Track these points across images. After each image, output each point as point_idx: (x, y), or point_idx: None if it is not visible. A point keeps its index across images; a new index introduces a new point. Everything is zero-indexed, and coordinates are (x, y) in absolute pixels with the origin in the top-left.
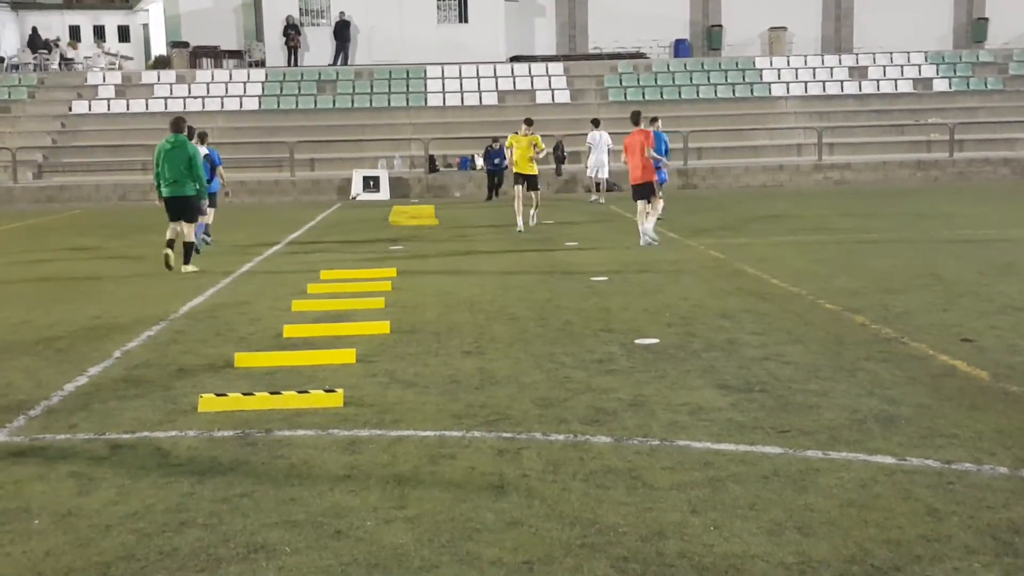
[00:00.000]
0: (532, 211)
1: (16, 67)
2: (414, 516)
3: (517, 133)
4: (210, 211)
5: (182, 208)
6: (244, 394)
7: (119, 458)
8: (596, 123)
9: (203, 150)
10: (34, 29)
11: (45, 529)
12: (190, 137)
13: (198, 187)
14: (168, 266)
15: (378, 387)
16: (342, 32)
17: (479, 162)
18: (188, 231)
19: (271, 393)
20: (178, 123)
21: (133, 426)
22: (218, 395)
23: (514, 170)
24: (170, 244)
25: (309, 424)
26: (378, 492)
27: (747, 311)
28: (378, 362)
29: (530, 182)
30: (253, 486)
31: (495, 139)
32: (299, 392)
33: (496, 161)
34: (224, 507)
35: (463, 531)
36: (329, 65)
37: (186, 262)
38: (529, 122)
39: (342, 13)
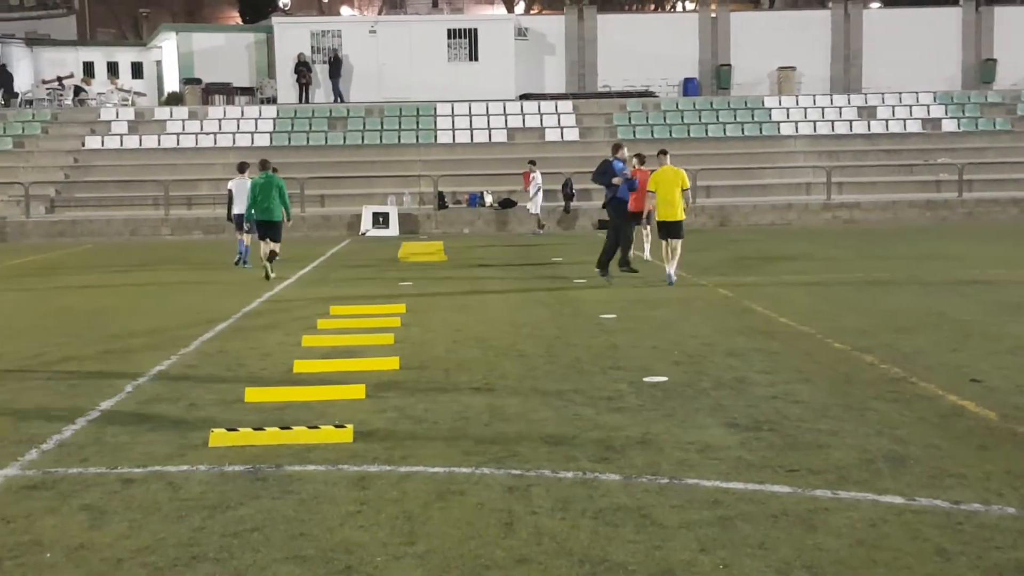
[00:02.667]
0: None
1: (30, 103)
2: (424, 552)
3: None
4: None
5: (270, 228)
6: (255, 429)
7: (130, 492)
8: (533, 163)
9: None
10: (2, 67)
11: (57, 563)
12: (265, 169)
13: (286, 213)
14: (267, 275)
15: (388, 423)
16: (335, 69)
17: (488, 199)
18: (275, 245)
19: (281, 428)
20: (264, 164)
21: (144, 460)
22: (229, 430)
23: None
24: (270, 258)
25: (319, 459)
26: (387, 528)
27: (756, 349)
28: (388, 398)
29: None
30: (263, 521)
31: (619, 146)
32: (309, 427)
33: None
34: (235, 542)
35: (472, 568)
36: (334, 102)
37: (271, 261)
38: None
39: (334, 51)
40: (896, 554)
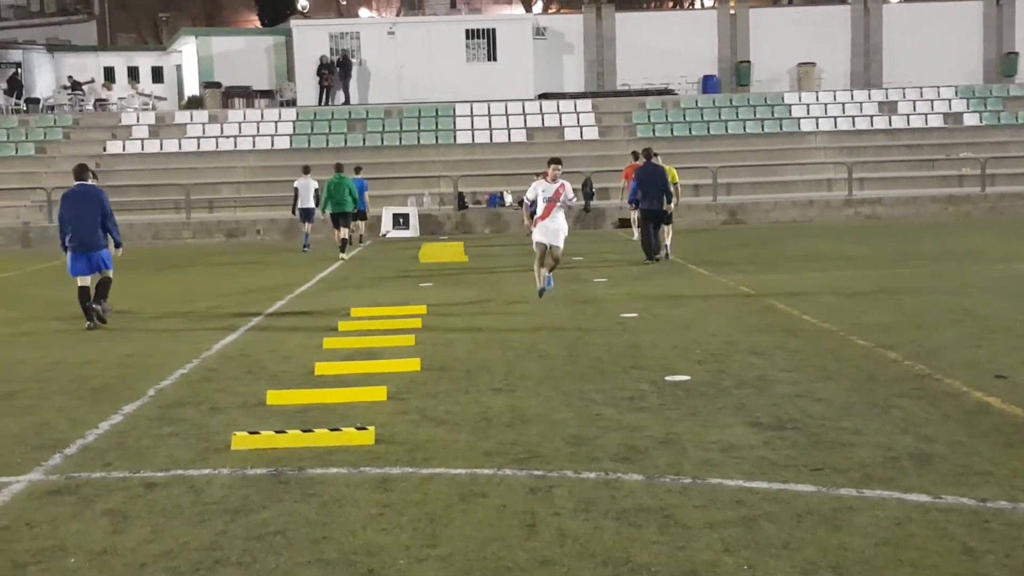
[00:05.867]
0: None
1: (52, 108)
2: (446, 555)
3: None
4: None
5: (343, 217)
6: (276, 432)
7: (153, 496)
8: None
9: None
10: (14, 73)
11: (80, 567)
12: (339, 171)
13: (355, 207)
14: (341, 258)
15: (409, 425)
16: (345, 70)
17: (508, 198)
18: (346, 231)
19: (303, 431)
20: (339, 166)
21: (167, 464)
22: (251, 433)
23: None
24: (342, 246)
25: (341, 462)
26: (410, 530)
27: (778, 347)
28: (409, 400)
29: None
30: (286, 524)
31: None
32: (331, 430)
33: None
34: (257, 545)
35: (495, 570)
36: (343, 103)
37: (343, 250)
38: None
39: (344, 52)
40: (922, 553)
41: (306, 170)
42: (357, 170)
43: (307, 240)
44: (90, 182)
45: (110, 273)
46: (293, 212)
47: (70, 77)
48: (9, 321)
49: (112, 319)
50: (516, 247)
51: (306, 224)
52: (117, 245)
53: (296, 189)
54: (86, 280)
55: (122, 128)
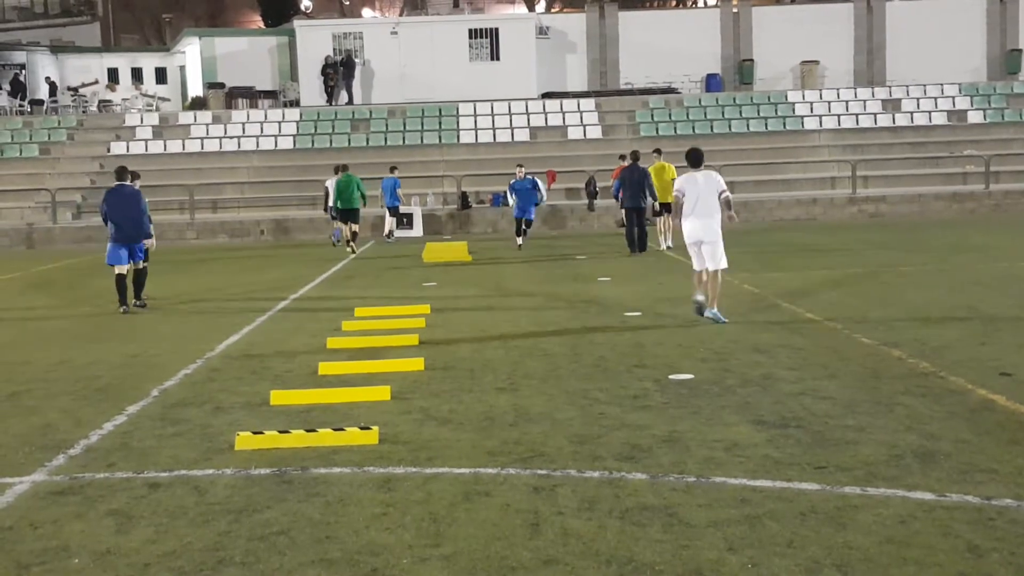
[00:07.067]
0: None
1: (56, 109)
2: (450, 554)
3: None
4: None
5: (351, 214)
6: (280, 432)
7: (157, 497)
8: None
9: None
10: (15, 75)
11: (84, 568)
12: (346, 170)
13: (363, 204)
14: (352, 251)
15: (413, 424)
16: (348, 70)
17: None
18: (355, 227)
19: (307, 431)
20: (345, 167)
21: (170, 464)
22: (254, 433)
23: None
24: (348, 242)
25: (344, 462)
26: (413, 530)
27: (782, 345)
28: (412, 399)
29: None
30: (289, 524)
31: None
32: (334, 430)
33: None
34: (261, 545)
35: (499, 569)
36: (347, 103)
37: (353, 240)
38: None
39: (347, 52)
40: (927, 551)
41: (336, 170)
42: (392, 169)
43: (337, 234)
44: (128, 182)
45: (144, 264)
46: (325, 210)
47: (47, 78)
48: (14, 322)
49: (114, 319)
50: (516, 246)
51: (336, 221)
52: (148, 236)
53: (326, 189)
54: (123, 269)
55: (126, 129)
